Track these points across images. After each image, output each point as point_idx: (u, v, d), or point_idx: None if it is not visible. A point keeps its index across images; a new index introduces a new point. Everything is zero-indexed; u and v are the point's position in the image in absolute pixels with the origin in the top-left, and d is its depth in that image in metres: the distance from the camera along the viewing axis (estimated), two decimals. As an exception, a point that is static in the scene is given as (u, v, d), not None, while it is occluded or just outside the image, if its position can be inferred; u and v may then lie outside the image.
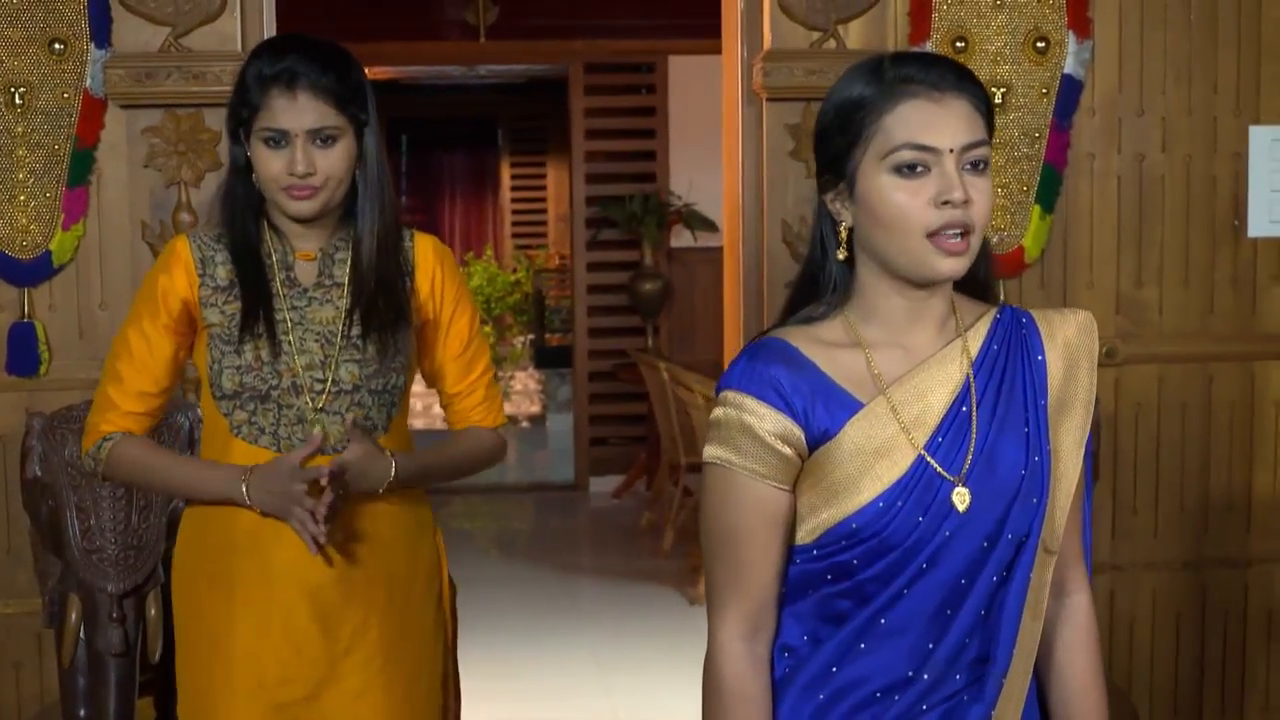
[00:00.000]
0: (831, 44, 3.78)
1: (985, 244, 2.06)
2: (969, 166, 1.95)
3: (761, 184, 3.84)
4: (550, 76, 11.12)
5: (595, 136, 9.21)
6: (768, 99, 3.79)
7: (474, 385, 2.85)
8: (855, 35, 3.80)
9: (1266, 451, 4.03)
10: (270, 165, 2.65)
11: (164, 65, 3.60)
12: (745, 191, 3.89)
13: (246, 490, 2.60)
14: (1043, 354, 2.04)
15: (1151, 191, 3.96)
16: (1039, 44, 3.85)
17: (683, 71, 9.08)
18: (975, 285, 2.08)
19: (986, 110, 2.00)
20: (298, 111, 2.62)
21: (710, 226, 8.96)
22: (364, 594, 2.69)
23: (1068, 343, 2.06)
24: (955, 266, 1.96)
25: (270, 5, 3.74)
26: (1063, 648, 2.10)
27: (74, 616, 2.87)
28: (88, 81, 3.63)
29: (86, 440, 2.71)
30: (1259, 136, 3.95)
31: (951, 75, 1.98)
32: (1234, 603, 4.08)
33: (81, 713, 2.94)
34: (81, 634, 2.92)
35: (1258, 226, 3.98)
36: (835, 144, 2.01)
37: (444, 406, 2.88)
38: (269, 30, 3.72)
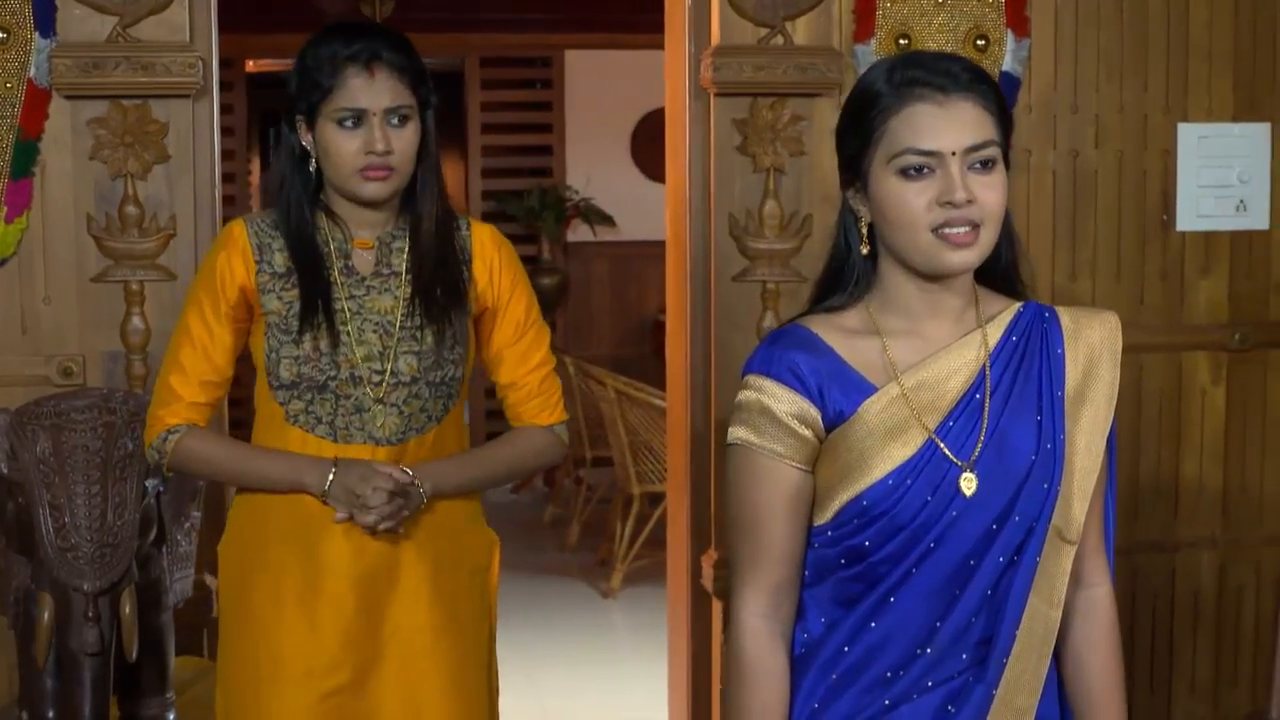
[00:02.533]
0: (779, 40, 3.82)
1: (1015, 240, 2.12)
2: (977, 165, 2.02)
3: (709, 178, 3.87)
4: (436, 69, 11.05)
5: (491, 131, 9.19)
6: (716, 94, 3.82)
7: (528, 378, 2.82)
8: (802, 31, 3.84)
9: (1193, 439, 4.15)
10: (345, 146, 2.63)
11: (112, 55, 3.53)
12: (692, 186, 3.91)
13: (332, 478, 2.60)
14: (1062, 348, 2.11)
15: (1085, 187, 4.05)
16: (979, 42, 3.92)
17: (580, 66, 9.10)
18: (999, 278, 2.14)
19: (998, 108, 2.06)
20: (375, 90, 2.62)
21: (608, 221, 8.99)
22: (411, 584, 2.70)
23: (1090, 341, 2.12)
24: (963, 259, 2.03)
25: (214, -3, 3.69)
26: (1082, 640, 2.16)
27: (47, 616, 2.82)
28: (31, 71, 3.54)
29: (149, 433, 2.70)
30: (1187, 134, 4.06)
31: (964, 76, 2.04)
32: (1162, 586, 4.18)
33: (50, 715, 2.88)
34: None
35: (1185, 221, 4.09)
36: (850, 144, 2.10)
37: (500, 400, 2.86)
38: (214, 22, 3.67)
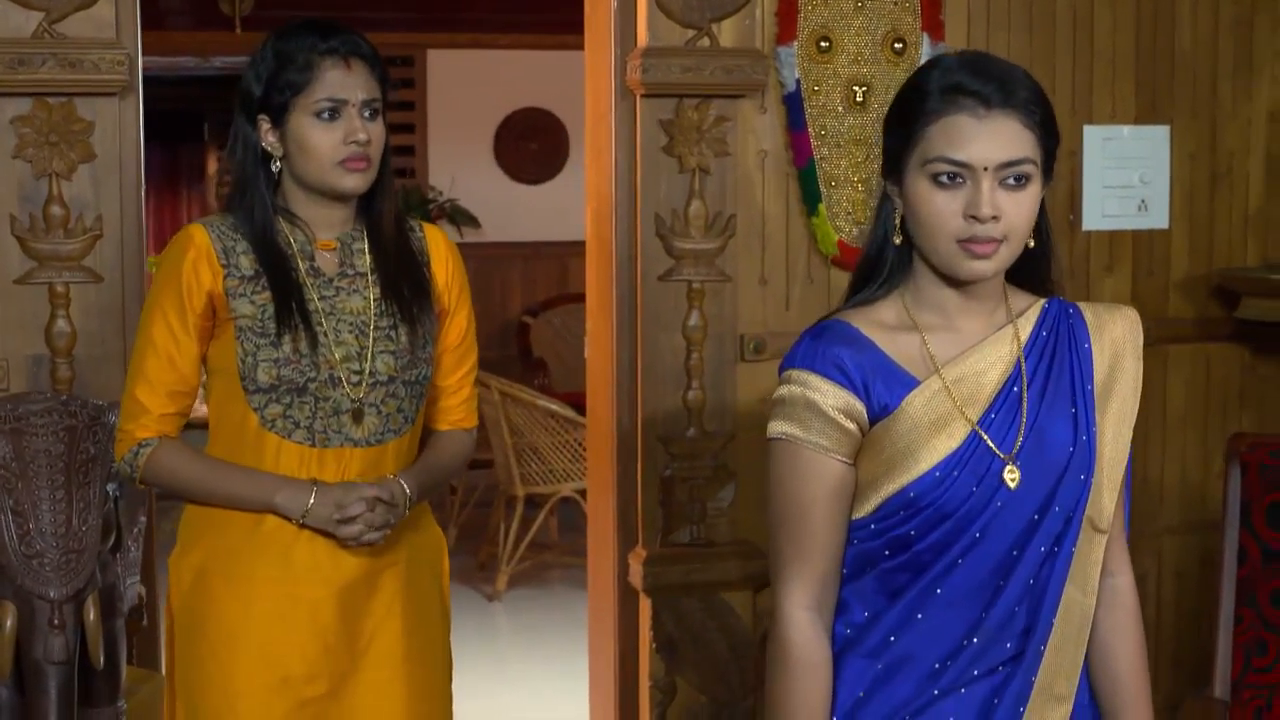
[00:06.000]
0: (705, 42, 3.86)
1: (1049, 242, 2.17)
2: (1010, 181, 2.04)
3: (635, 179, 3.89)
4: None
5: (352, 131, 9.09)
6: (643, 95, 3.84)
7: (461, 382, 2.86)
8: (727, 33, 3.89)
9: (1098, 433, 4.27)
10: (325, 138, 2.63)
11: (37, 52, 3.44)
12: (618, 186, 3.93)
13: (312, 501, 2.58)
14: (1089, 343, 2.17)
15: (996, 187, 4.15)
16: (896, 45, 4.00)
17: (442, 66, 9.05)
18: (1032, 277, 2.19)
19: (1041, 121, 2.07)
20: (353, 82, 2.63)
21: (474, 222, 8.96)
22: (386, 588, 2.69)
23: (1114, 336, 2.19)
24: (981, 268, 2.07)
25: (137, -8, 3.63)
26: (1107, 630, 2.20)
27: (9, 625, 2.75)
28: (-49, 68, 3.45)
29: (120, 447, 2.64)
30: (1092, 136, 4.19)
31: (1005, 91, 2.05)
32: (1069, 576, 4.31)
33: (7, 726, 2.82)
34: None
35: (1091, 220, 4.22)
36: (892, 140, 2.13)
37: (429, 401, 2.85)
38: (139, 18, 3.61)
